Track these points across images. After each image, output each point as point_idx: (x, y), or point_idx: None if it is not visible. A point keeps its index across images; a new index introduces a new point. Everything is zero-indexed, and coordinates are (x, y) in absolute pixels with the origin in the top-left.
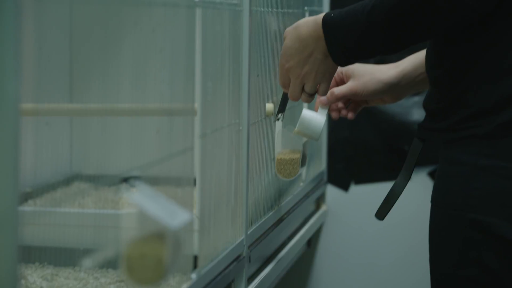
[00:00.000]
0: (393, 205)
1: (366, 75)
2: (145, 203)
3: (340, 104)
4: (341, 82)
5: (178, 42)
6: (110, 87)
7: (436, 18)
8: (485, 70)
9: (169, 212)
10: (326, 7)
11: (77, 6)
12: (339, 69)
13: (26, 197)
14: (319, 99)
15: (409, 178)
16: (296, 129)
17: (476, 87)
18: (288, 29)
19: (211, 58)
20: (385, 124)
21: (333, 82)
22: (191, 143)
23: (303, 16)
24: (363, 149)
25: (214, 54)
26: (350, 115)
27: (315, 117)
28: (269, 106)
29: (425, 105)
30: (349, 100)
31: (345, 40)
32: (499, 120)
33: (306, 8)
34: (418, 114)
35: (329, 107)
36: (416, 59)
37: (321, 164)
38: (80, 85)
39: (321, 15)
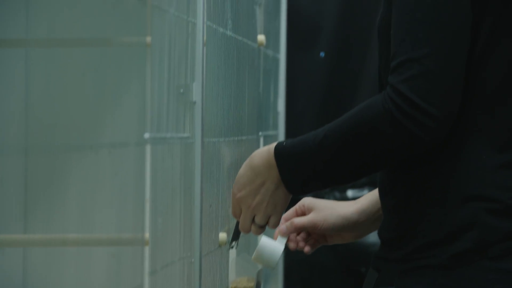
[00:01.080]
0: None
1: (327, 209)
2: None
3: (299, 237)
4: (302, 215)
5: (127, 177)
6: (60, 216)
7: (389, 151)
8: (434, 199)
9: None
10: (281, 132)
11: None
12: (301, 202)
13: None
14: (279, 228)
15: None
16: (253, 256)
17: (428, 216)
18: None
19: (161, 193)
20: (341, 246)
21: (294, 214)
22: (141, 280)
23: (258, 141)
24: (319, 270)
25: (165, 188)
26: (307, 249)
27: (274, 246)
28: (222, 236)
29: (380, 234)
30: (309, 234)
31: (297, 169)
32: (452, 251)
33: (260, 133)
34: (374, 236)
35: (288, 237)
36: (373, 195)
37: (277, 287)
38: (34, 214)
39: (274, 144)
